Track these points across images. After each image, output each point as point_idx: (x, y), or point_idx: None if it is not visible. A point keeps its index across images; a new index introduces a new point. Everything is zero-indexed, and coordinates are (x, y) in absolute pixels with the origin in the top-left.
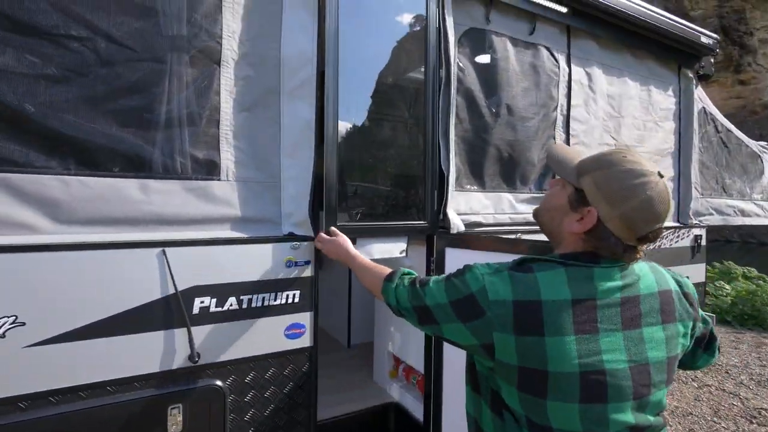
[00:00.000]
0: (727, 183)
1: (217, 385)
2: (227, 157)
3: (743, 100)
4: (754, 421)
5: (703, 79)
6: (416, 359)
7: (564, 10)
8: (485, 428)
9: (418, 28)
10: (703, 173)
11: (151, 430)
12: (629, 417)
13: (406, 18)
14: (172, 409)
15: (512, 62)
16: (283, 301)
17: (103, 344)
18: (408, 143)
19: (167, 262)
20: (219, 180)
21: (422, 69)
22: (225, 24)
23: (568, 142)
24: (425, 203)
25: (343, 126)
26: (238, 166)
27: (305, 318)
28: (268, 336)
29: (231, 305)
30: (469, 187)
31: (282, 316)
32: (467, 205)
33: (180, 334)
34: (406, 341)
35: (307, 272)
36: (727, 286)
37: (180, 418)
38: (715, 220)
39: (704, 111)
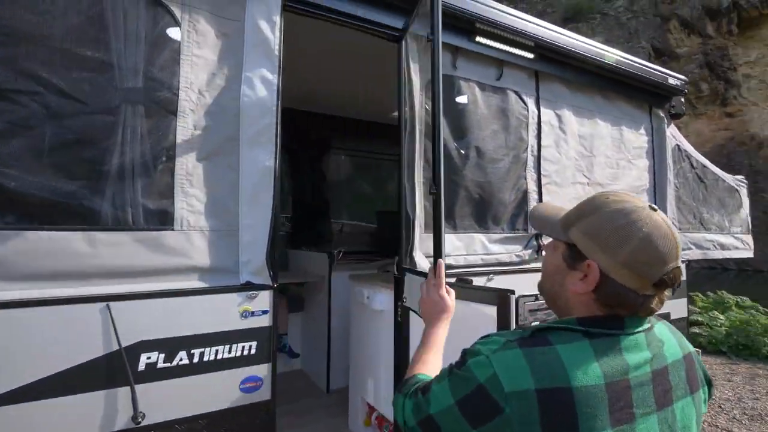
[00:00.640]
0: (705, 217)
1: None
2: (182, 207)
3: (731, 132)
4: None
5: (675, 117)
6: (388, 408)
7: (530, 56)
8: None
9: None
10: (681, 208)
11: None
12: None
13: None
14: None
15: (481, 106)
16: (239, 354)
17: (37, 408)
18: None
19: (111, 317)
20: (173, 230)
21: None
22: (183, 76)
23: (539, 181)
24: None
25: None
26: (193, 215)
27: (263, 370)
28: (222, 391)
29: (181, 360)
30: None
31: (237, 369)
32: None
33: (123, 393)
34: (378, 389)
35: (265, 322)
36: (721, 316)
37: None
38: (695, 254)
39: (678, 148)
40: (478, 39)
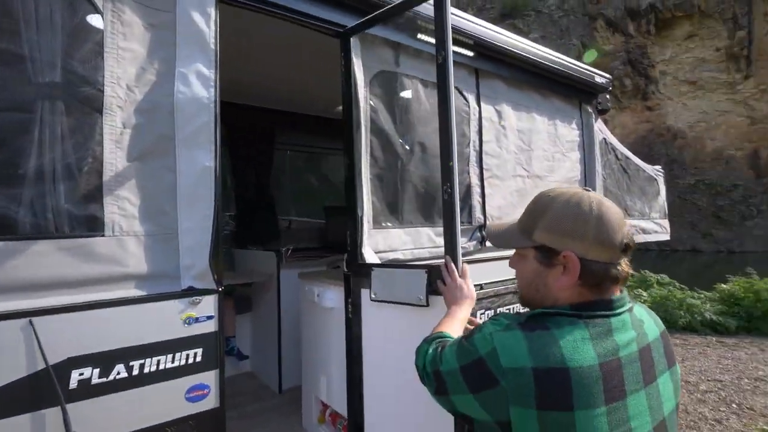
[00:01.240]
0: (628, 205)
1: None
2: (113, 211)
3: (651, 124)
4: None
5: (602, 113)
6: (341, 404)
7: (470, 54)
8: None
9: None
10: (608, 197)
11: None
12: None
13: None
14: None
15: (424, 102)
16: (183, 362)
17: None
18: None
19: (35, 333)
20: (103, 236)
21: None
22: (108, 70)
23: (482, 175)
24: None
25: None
26: (126, 220)
27: (210, 377)
28: (166, 402)
29: (119, 374)
30: (386, 224)
31: (182, 378)
32: (386, 242)
33: (53, 413)
34: (331, 386)
35: (211, 327)
36: (645, 293)
37: None
38: None
39: (605, 141)
40: (420, 36)
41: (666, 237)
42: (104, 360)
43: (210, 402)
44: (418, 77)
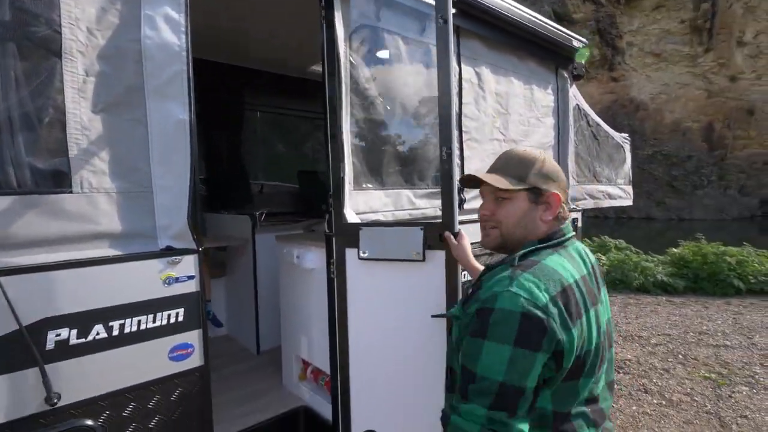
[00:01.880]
0: (597, 171)
1: (86, 425)
2: (80, 166)
3: (615, 95)
4: (620, 371)
5: (577, 79)
6: (323, 360)
7: (453, 10)
8: None
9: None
10: (578, 163)
11: None
12: (612, 374)
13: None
14: None
15: (405, 60)
16: (165, 322)
17: None
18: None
19: (4, 293)
20: (71, 192)
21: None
22: (64, 10)
23: (461, 137)
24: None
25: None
26: (96, 176)
27: (193, 337)
28: (149, 362)
29: (98, 334)
30: (367, 186)
31: (164, 338)
32: (367, 204)
33: (32, 374)
34: (312, 343)
35: (192, 287)
36: (603, 257)
37: None
38: (588, 203)
39: (578, 107)
40: None
41: (629, 202)
42: (82, 320)
43: (194, 360)
44: (398, 33)
